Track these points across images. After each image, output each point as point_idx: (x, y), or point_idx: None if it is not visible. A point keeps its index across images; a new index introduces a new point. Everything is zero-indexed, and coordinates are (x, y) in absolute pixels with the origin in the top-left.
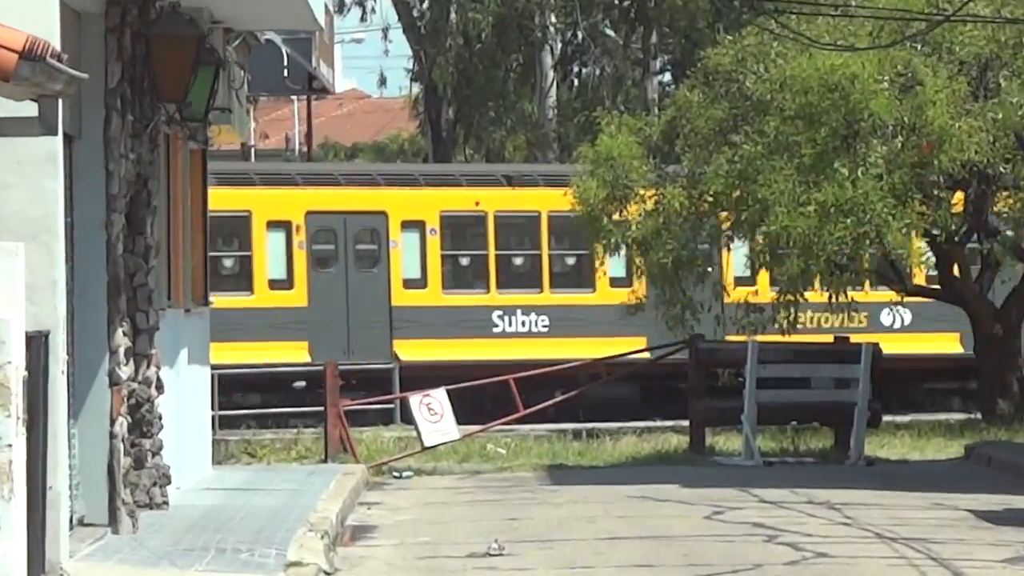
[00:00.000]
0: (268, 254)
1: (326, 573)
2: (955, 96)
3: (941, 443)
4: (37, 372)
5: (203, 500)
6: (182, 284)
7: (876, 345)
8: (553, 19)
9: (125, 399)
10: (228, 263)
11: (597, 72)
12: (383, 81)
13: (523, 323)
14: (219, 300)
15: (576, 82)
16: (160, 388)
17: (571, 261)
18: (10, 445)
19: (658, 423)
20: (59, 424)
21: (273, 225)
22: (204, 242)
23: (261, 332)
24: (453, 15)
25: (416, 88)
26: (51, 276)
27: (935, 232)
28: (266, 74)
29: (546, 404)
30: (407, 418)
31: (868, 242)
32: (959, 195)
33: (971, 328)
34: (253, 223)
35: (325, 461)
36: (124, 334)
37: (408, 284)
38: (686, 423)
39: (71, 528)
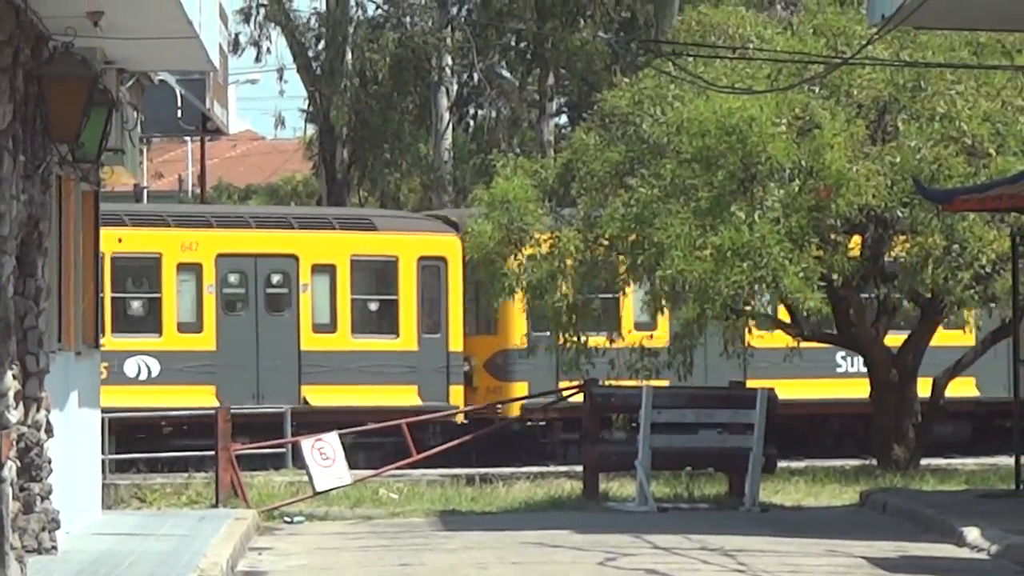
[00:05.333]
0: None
1: None
2: (853, 140)
3: (836, 489)
4: None
5: (93, 545)
6: (73, 327)
7: (772, 390)
8: (449, 60)
9: (14, 443)
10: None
11: (493, 114)
12: (280, 122)
13: None
14: None
15: (472, 124)
16: (50, 431)
17: None
18: None
19: (552, 468)
20: None
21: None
22: (95, 284)
23: None
24: (349, 56)
25: (311, 129)
26: None
27: (832, 277)
28: (160, 114)
29: (440, 449)
30: (299, 462)
31: (764, 286)
32: (856, 239)
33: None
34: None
35: (216, 506)
36: (13, 377)
37: None
38: (580, 468)
39: None
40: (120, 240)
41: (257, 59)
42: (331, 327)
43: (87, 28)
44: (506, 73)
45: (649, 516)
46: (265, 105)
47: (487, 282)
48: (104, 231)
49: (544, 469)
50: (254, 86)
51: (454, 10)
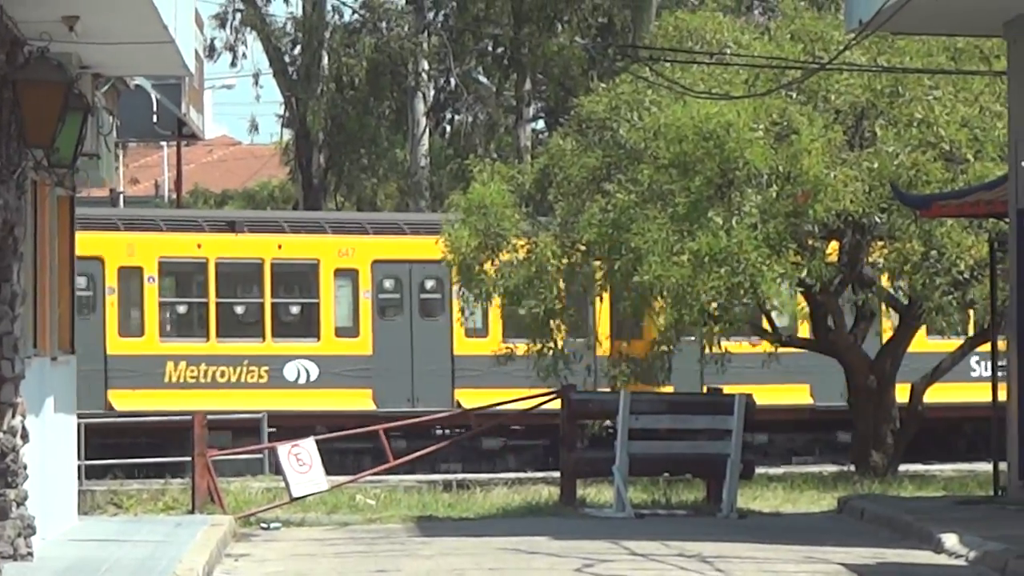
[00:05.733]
0: None
1: None
2: (831, 145)
3: (814, 495)
4: None
5: (69, 551)
6: (48, 332)
7: (749, 396)
8: (426, 65)
9: None
10: None
11: (470, 119)
12: (254, 127)
13: None
14: None
15: (449, 129)
16: (25, 437)
17: None
18: None
19: (530, 474)
20: None
21: None
22: (71, 289)
23: None
24: (325, 61)
25: (287, 134)
26: None
27: (809, 282)
28: (135, 119)
29: (418, 454)
30: (276, 468)
31: (742, 292)
32: (834, 245)
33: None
34: None
35: (192, 512)
36: None
37: None
38: (557, 474)
39: None
40: (280, 247)
41: (233, 64)
42: (483, 331)
43: (63, 33)
44: (483, 78)
45: (627, 522)
46: (241, 110)
47: (465, 288)
48: (263, 237)
49: (522, 475)
50: (230, 91)
51: (431, 15)
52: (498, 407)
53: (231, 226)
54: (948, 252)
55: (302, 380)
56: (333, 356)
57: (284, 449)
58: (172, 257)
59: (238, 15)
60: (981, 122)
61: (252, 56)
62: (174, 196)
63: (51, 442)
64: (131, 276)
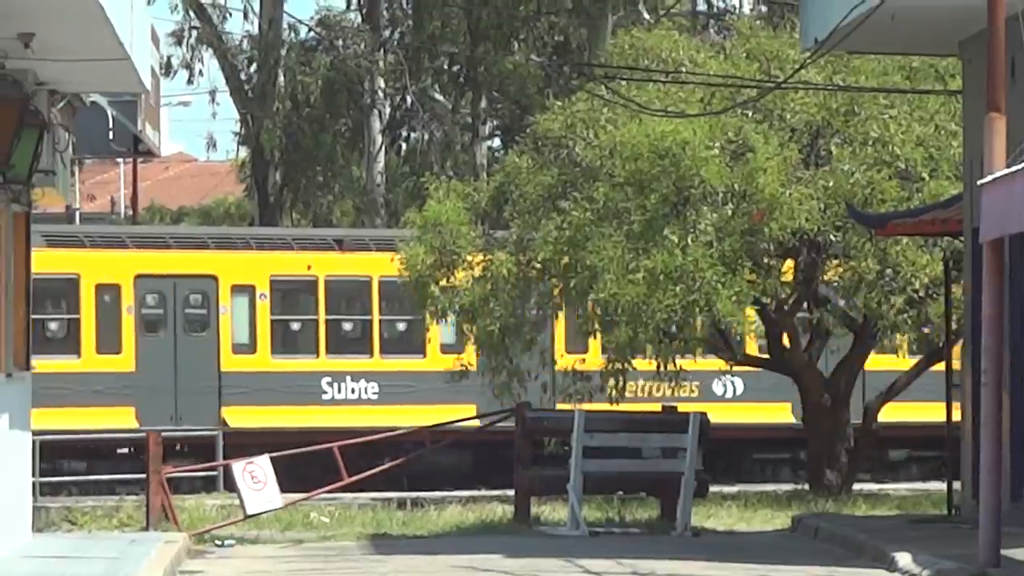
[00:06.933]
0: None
1: None
2: (786, 163)
3: (768, 514)
4: None
5: (22, 568)
6: (4, 349)
7: (704, 414)
8: (382, 83)
9: None
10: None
11: (426, 137)
12: (212, 144)
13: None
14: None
15: (405, 147)
16: None
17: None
18: None
19: (483, 492)
20: None
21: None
22: (27, 306)
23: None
24: (281, 78)
25: (243, 152)
26: None
27: (765, 300)
28: (91, 136)
29: (373, 472)
30: (230, 486)
31: (697, 310)
32: (789, 263)
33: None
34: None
35: (147, 529)
36: None
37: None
38: (512, 492)
39: None
40: None
41: (189, 81)
42: None
43: (18, 50)
44: (439, 96)
45: (581, 541)
46: (198, 127)
47: (420, 305)
48: None
49: (476, 493)
50: (187, 108)
51: (387, 33)
52: (455, 424)
53: None
54: (903, 271)
55: (728, 395)
56: (752, 373)
57: (239, 466)
58: None
59: (194, 32)
60: (936, 141)
61: (208, 73)
62: (130, 213)
63: (4, 459)
64: None
